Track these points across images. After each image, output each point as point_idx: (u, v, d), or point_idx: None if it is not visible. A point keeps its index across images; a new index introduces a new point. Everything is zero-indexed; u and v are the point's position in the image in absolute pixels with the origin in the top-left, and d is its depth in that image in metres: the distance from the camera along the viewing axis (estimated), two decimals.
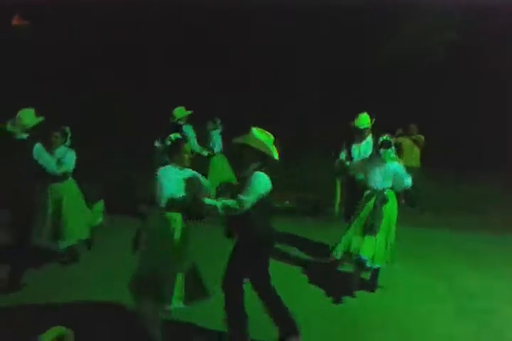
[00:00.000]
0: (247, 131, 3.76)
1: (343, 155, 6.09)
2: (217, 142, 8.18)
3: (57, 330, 2.67)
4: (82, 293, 4.78)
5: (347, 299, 4.91)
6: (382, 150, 5.02)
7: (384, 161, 5.03)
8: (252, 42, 11.12)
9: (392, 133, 8.84)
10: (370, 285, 5.18)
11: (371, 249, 4.91)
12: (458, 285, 5.44)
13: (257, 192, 3.61)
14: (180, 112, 7.22)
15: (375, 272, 5.19)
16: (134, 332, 3.93)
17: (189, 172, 3.94)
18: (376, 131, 5.74)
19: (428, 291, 5.23)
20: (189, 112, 7.32)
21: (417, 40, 11.23)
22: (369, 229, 4.95)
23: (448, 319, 4.61)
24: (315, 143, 10.14)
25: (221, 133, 8.20)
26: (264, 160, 3.73)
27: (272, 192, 3.75)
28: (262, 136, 3.73)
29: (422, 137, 9.00)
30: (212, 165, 7.96)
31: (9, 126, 4.74)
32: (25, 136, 4.79)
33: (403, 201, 9.09)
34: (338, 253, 5.06)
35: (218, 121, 8.34)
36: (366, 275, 5.23)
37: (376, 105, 10.58)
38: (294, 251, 6.39)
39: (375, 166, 5.10)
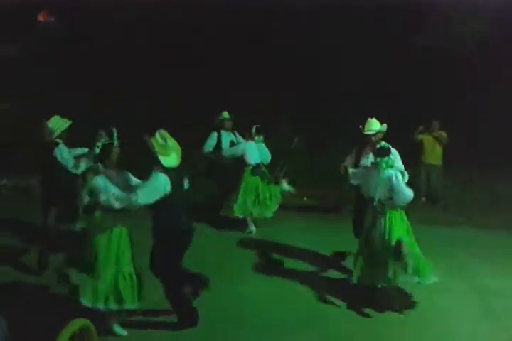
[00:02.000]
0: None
1: (349, 160, 5.68)
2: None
3: (79, 322, 2.71)
4: None
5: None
6: (378, 159, 4.63)
7: (379, 171, 4.63)
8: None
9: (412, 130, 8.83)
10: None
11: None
12: (481, 284, 5.38)
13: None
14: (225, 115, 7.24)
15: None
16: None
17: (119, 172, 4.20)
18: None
19: (451, 290, 5.17)
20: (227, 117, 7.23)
21: (443, 32, 11.01)
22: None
23: (472, 318, 4.58)
24: (339, 141, 10.04)
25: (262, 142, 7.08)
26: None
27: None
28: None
29: (444, 134, 8.83)
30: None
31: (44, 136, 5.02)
32: (59, 141, 5.10)
33: (424, 199, 9.02)
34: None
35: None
36: None
37: (397, 101, 10.57)
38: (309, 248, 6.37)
39: (371, 176, 4.73)
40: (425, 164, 8.94)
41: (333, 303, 4.78)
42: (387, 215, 4.65)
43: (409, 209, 5.27)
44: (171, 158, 4.02)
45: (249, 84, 10.91)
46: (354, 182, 5.21)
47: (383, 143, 4.75)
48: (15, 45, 12.10)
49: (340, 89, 11.00)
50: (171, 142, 4.08)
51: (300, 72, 11.24)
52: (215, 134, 7.27)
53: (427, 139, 8.86)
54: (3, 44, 11.98)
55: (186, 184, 4.29)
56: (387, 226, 4.63)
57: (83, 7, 11.85)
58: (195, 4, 11.14)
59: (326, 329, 4.24)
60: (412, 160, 8.95)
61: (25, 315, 4.08)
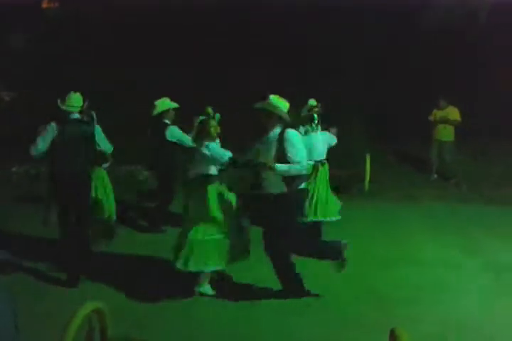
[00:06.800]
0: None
1: None
2: None
3: (93, 304, 2.72)
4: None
5: (377, 275, 4.88)
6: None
7: None
8: None
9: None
10: None
11: None
12: (495, 260, 5.32)
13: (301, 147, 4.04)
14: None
15: None
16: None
17: None
18: None
19: (465, 267, 5.14)
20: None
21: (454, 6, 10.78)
22: None
23: (486, 294, 4.53)
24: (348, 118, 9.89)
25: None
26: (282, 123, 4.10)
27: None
28: (279, 103, 4.10)
29: (456, 110, 8.74)
30: None
31: (61, 105, 4.67)
32: (78, 115, 4.76)
33: (435, 176, 8.92)
34: None
35: None
36: None
37: (411, 79, 10.37)
38: None
39: None
40: (437, 140, 8.84)
41: None
42: None
43: (421, 185, 5.22)
44: None
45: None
46: None
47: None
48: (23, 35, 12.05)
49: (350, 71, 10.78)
50: None
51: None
52: None
53: (437, 116, 8.78)
54: (12, 35, 11.95)
55: None
56: None
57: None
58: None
59: (337, 309, 4.20)
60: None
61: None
